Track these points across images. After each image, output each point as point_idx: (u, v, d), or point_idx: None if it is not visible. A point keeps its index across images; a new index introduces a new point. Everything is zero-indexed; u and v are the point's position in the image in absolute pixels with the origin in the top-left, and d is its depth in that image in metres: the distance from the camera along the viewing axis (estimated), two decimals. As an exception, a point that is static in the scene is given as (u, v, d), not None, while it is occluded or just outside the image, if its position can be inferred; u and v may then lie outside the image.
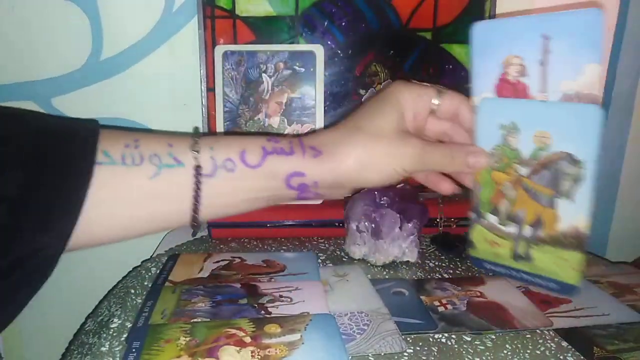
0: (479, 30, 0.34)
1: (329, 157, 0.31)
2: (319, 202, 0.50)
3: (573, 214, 0.32)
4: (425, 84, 0.35)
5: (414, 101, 0.34)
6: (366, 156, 0.31)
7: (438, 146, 0.34)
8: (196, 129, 0.33)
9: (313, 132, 0.34)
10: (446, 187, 0.37)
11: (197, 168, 0.30)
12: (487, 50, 0.34)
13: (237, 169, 0.30)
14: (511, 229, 0.35)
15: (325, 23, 0.56)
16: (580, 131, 0.30)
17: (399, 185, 0.51)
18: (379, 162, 0.32)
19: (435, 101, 0.34)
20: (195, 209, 0.30)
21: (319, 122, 0.57)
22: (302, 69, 0.56)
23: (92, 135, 0.28)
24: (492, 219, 0.36)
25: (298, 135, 0.33)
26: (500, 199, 0.35)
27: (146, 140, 0.30)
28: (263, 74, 0.56)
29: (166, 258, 0.47)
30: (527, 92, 0.32)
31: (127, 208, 0.29)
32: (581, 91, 0.30)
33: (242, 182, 0.31)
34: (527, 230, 0.35)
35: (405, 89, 0.34)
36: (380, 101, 0.33)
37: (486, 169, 0.35)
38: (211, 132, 0.57)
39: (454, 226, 0.55)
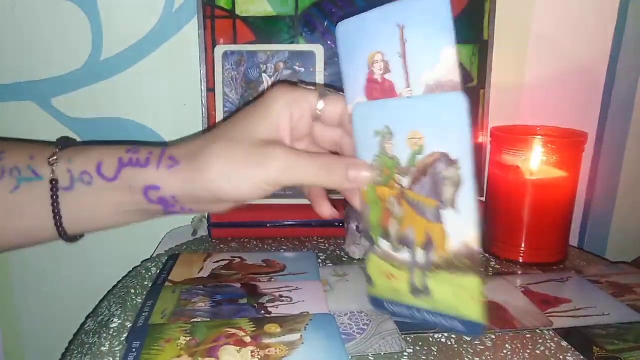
0: (343, 31, 0.31)
1: (185, 168, 0.29)
2: None
3: (460, 227, 0.27)
4: (308, 87, 0.31)
5: (291, 107, 0.30)
6: (222, 166, 0.28)
7: (311, 158, 0.29)
8: (65, 138, 0.32)
9: (184, 140, 0.31)
10: (325, 210, 0.32)
11: (53, 182, 0.29)
12: (353, 51, 0.30)
13: (94, 182, 0.29)
14: (405, 255, 0.30)
15: (325, 23, 0.56)
16: (449, 125, 0.27)
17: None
18: (238, 173, 0.28)
19: (319, 106, 0.31)
20: (58, 223, 0.30)
21: (319, 122, 0.57)
22: (302, 69, 0.56)
23: None
24: (384, 245, 0.31)
25: (165, 144, 0.31)
26: (388, 219, 0.30)
27: (10, 152, 0.30)
28: (263, 74, 0.56)
29: (166, 258, 0.47)
30: (394, 89, 0.29)
31: None
32: (441, 79, 0.27)
33: (101, 195, 0.30)
34: (420, 255, 0.29)
35: (281, 94, 0.30)
36: (253, 108, 0.31)
37: (370, 186, 0.30)
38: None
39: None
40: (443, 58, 0.27)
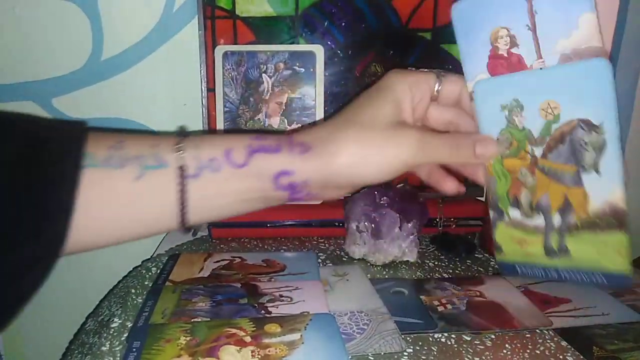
0: (460, 9, 0.31)
1: (318, 153, 0.29)
2: (318, 202, 0.49)
3: (604, 188, 0.28)
4: (424, 70, 0.32)
5: (412, 89, 0.31)
6: (359, 150, 0.29)
7: (441, 136, 0.31)
8: (182, 127, 0.32)
9: (305, 128, 0.32)
10: (450, 186, 0.33)
11: (181, 168, 0.28)
12: (472, 30, 0.31)
13: (222, 168, 0.29)
14: (538, 221, 0.31)
15: (325, 23, 0.56)
16: (590, 91, 0.27)
17: (398, 186, 0.51)
18: (374, 156, 0.29)
19: (436, 87, 0.32)
20: (183, 211, 0.29)
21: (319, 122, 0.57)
22: (302, 69, 0.56)
23: (78, 138, 0.28)
24: (515, 213, 0.32)
25: (289, 132, 0.32)
26: (519, 189, 0.31)
27: (131, 142, 0.29)
28: (263, 74, 0.56)
29: (166, 258, 0.47)
30: (523, 62, 0.29)
31: (114, 211, 0.28)
32: (579, 47, 0.27)
33: (228, 182, 0.29)
34: (556, 219, 0.30)
35: (400, 77, 0.31)
36: (375, 92, 0.31)
37: (497, 159, 0.32)
38: (211, 132, 0.57)
39: (454, 226, 0.55)
40: (582, 24, 0.27)
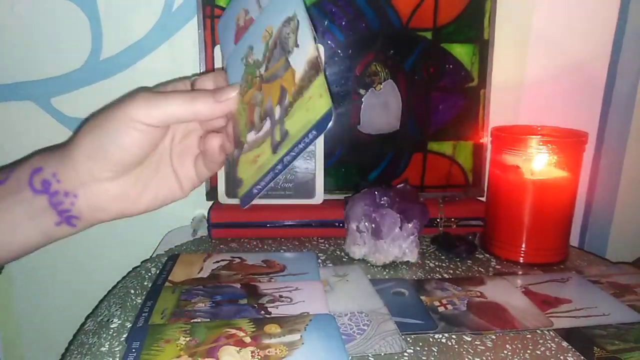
0: (220, 24, 0.38)
1: (63, 146, 0.28)
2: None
3: (302, 53, 0.29)
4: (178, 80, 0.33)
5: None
6: (91, 123, 0.28)
7: (176, 92, 0.30)
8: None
9: None
10: (213, 143, 0.31)
11: None
12: (226, 29, 0.37)
13: None
14: (266, 125, 0.31)
15: (326, 22, 0.56)
16: (287, 5, 0.31)
17: (399, 186, 0.51)
18: (107, 119, 0.27)
19: (186, 87, 0.33)
20: None
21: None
22: (302, 69, 0.56)
23: None
24: (251, 136, 0.32)
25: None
26: (253, 112, 0.32)
27: None
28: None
29: (166, 258, 0.47)
30: (252, 20, 0.34)
31: None
32: None
33: None
34: (277, 111, 0.31)
35: (159, 88, 0.32)
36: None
37: (240, 100, 0.32)
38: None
39: (455, 226, 0.55)
40: None
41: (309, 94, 0.29)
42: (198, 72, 0.56)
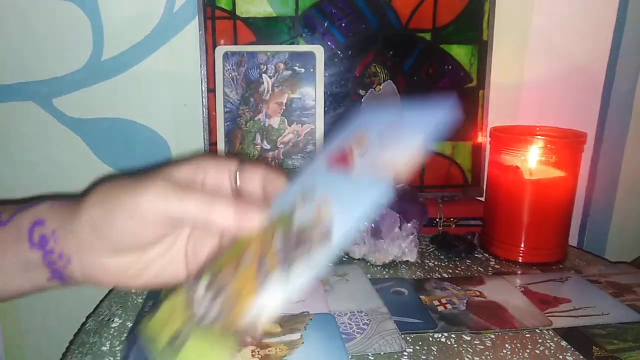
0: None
1: (72, 204, 0.26)
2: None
3: (274, 298, 0.23)
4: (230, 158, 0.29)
5: (215, 170, 0.28)
6: (100, 195, 0.26)
7: (196, 190, 0.26)
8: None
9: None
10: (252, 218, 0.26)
11: None
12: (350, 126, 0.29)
13: None
14: (205, 301, 0.26)
15: (325, 24, 0.56)
16: (356, 207, 0.24)
17: (398, 186, 0.51)
18: (115, 200, 0.25)
19: (236, 178, 0.28)
20: None
21: (319, 123, 0.57)
22: (302, 70, 0.56)
23: None
24: (203, 283, 0.27)
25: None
26: (230, 267, 0.26)
27: None
28: (263, 75, 0.56)
29: (167, 258, 0.47)
30: (351, 157, 0.27)
31: None
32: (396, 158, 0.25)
33: None
34: (216, 307, 0.25)
35: (206, 157, 0.28)
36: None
37: (251, 234, 0.26)
38: (211, 132, 0.57)
39: (454, 226, 0.55)
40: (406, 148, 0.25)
41: (215, 350, 0.24)
42: (199, 73, 0.57)
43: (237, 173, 0.28)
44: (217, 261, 0.27)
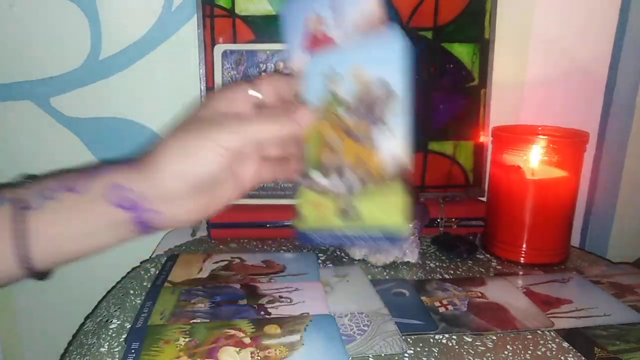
0: (285, 9, 0.35)
1: (144, 163, 0.29)
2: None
3: (390, 142, 0.30)
4: (238, 83, 0.33)
5: (228, 103, 0.31)
6: (177, 143, 0.28)
7: (256, 113, 0.31)
8: (30, 175, 0.31)
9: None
10: (294, 171, 0.33)
11: (17, 202, 0.27)
12: (292, 21, 0.35)
13: (63, 197, 0.28)
14: (335, 181, 0.32)
15: (325, 22, 0.56)
16: (386, 59, 0.31)
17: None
18: (193, 146, 0.28)
19: (253, 92, 0.32)
20: (21, 247, 0.27)
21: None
22: (302, 69, 0.56)
23: None
24: (316, 176, 0.33)
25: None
26: (325, 152, 0.32)
27: None
28: (263, 73, 0.56)
29: (165, 258, 0.47)
30: (330, 37, 0.33)
31: None
32: (365, 14, 0.32)
33: (70, 211, 0.28)
34: (349, 178, 0.32)
35: (216, 95, 0.32)
36: (195, 111, 0.32)
37: (313, 126, 0.32)
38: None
39: (455, 226, 0.55)
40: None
41: (389, 198, 0.30)
42: (198, 72, 0.56)
43: (253, 91, 0.32)
44: (308, 158, 0.32)
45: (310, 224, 0.33)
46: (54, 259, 0.29)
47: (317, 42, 0.34)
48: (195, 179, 0.29)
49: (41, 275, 0.30)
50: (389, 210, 0.31)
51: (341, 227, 0.32)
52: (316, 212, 0.33)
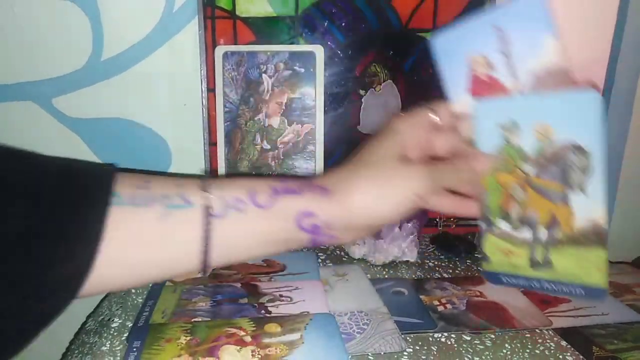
0: (440, 42, 0.36)
1: (337, 195, 0.30)
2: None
3: (588, 207, 0.31)
4: (417, 109, 0.35)
5: (413, 127, 0.34)
6: (371, 187, 0.31)
7: (441, 162, 0.33)
8: (206, 172, 0.32)
9: (324, 173, 0.34)
10: (473, 209, 0.35)
11: (207, 208, 0.29)
12: (451, 57, 0.35)
13: (247, 209, 0.29)
14: (525, 234, 0.34)
15: (325, 23, 0.56)
16: (581, 119, 0.30)
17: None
18: (389, 191, 0.31)
19: (434, 117, 0.34)
20: (206, 252, 0.29)
21: (319, 123, 0.57)
22: (302, 70, 0.56)
23: (107, 177, 0.28)
24: (504, 225, 0.35)
25: (306, 177, 0.33)
26: (509, 203, 0.34)
27: (157, 182, 0.29)
28: (263, 75, 0.56)
29: (166, 258, 0.47)
30: (500, 83, 0.33)
31: (137, 250, 0.28)
32: (548, 65, 0.32)
33: (253, 223, 0.29)
34: (543, 233, 0.33)
35: (400, 120, 0.34)
36: (381, 136, 0.34)
37: (491, 173, 0.34)
38: (211, 132, 0.57)
39: (454, 226, 0.55)
40: (545, 46, 0.32)
41: (585, 254, 0.32)
42: (199, 73, 0.56)
43: (433, 115, 0.34)
44: (490, 204, 0.35)
45: (497, 267, 0.35)
46: (227, 261, 0.30)
47: (484, 86, 0.34)
48: (384, 218, 0.31)
49: (208, 270, 0.31)
50: (587, 267, 0.32)
51: (532, 275, 0.34)
52: (505, 259, 0.35)
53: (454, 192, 0.35)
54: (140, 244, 0.28)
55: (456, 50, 0.35)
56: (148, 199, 0.28)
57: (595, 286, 0.32)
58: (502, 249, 0.35)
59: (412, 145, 0.33)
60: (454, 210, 0.35)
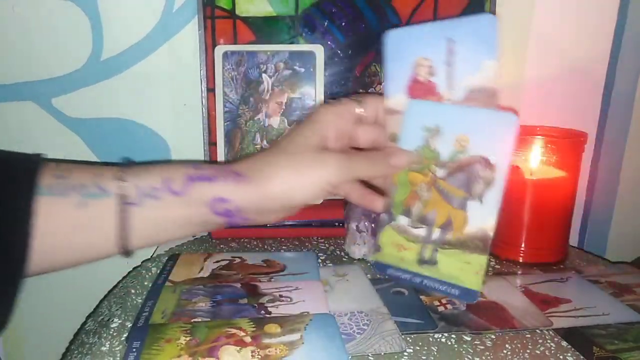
0: (392, 37, 0.37)
1: (253, 181, 0.32)
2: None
3: (481, 216, 0.34)
4: (344, 99, 0.36)
5: (336, 118, 0.35)
6: (289, 175, 0.32)
7: (358, 153, 0.35)
8: (125, 159, 0.33)
9: (241, 159, 0.35)
10: (377, 204, 0.37)
11: (122, 197, 0.30)
12: (399, 55, 0.36)
13: (162, 196, 0.31)
14: (421, 231, 0.36)
15: (326, 23, 0.56)
16: (497, 137, 0.33)
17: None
18: (303, 179, 0.32)
19: (359, 110, 0.36)
20: (124, 238, 0.30)
21: (319, 122, 0.57)
22: (302, 69, 0.56)
23: (32, 168, 0.29)
24: (404, 220, 0.37)
25: (226, 163, 0.34)
26: (414, 200, 0.36)
27: (76, 171, 0.31)
28: (263, 74, 0.56)
29: (166, 258, 0.47)
30: (436, 90, 0.35)
31: (60, 237, 0.30)
32: (480, 86, 0.34)
33: (168, 209, 0.31)
34: (436, 233, 0.36)
35: (324, 109, 0.35)
36: (303, 124, 0.35)
37: (404, 170, 0.36)
38: (211, 132, 0.57)
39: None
40: (484, 68, 0.34)
41: (469, 259, 0.35)
42: (198, 73, 0.56)
43: (359, 108, 0.36)
44: (396, 199, 0.37)
45: (387, 259, 0.38)
46: (146, 244, 0.32)
47: (421, 88, 0.36)
48: (297, 204, 0.33)
49: (129, 254, 0.32)
50: (467, 271, 0.35)
51: (417, 271, 0.37)
52: (396, 253, 0.37)
53: (365, 184, 0.36)
54: (61, 231, 0.29)
55: (406, 50, 0.36)
56: (66, 188, 0.29)
57: (470, 288, 0.35)
58: (395, 243, 0.37)
59: (333, 135, 0.35)
60: (360, 201, 0.36)
